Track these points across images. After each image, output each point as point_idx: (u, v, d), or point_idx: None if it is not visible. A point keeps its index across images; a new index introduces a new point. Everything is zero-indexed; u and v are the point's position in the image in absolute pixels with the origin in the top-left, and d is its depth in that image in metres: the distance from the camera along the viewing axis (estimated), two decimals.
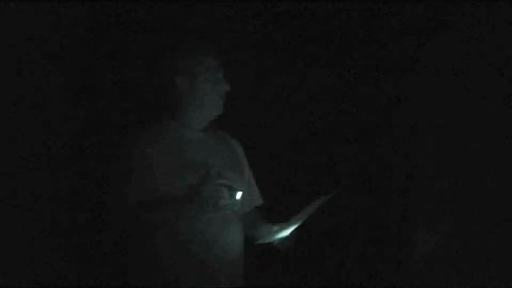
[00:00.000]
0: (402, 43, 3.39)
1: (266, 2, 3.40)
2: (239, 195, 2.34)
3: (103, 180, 2.58)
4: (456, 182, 3.26)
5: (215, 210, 2.29)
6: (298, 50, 3.47)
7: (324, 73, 3.47)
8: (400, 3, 3.36)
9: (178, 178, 2.37)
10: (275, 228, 2.50)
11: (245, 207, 2.59)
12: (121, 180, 2.39)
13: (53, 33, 3.18)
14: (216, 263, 2.39)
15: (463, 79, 3.28)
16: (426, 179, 3.31)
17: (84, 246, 3.16)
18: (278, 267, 3.39)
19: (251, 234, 2.58)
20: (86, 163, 3.18)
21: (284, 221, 2.47)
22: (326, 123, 3.48)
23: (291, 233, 2.49)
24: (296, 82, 3.48)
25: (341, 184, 3.41)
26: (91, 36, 3.24)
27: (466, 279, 3.21)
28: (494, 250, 3.19)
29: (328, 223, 3.39)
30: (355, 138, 3.47)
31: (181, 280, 2.36)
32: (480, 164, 3.23)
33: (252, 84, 3.41)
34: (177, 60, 2.49)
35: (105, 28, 3.25)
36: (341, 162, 3.47)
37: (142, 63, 3.27)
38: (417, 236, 3.31)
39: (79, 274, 3.16)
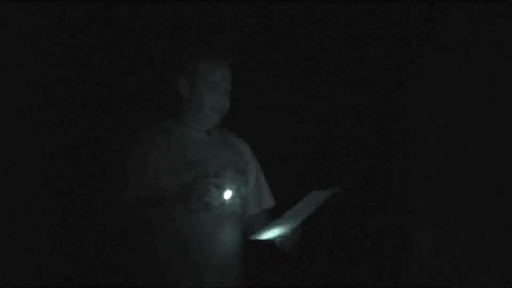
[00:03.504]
0: (403, 43, 3.39)
1: (267, 2, 3.41)
2: (227, 194, 2.34)
3: (103, 178, 2.59)
4: (456, 182, 3.26)
5: (206, 209, 2.29)
6: (299, 50, 3.47)
7: (325, 73, 3.47)
8: (401, 3, 3.37)
9: (175, 178, 2.38)
10: (268, 224, 2.43)
11: (250, 209, 2.59)
12: (118, 178, 2.40)
13: (55, 32, 3.18)
14: (207, 262, 2.39)
15: (463, 79, 3.28)
16: (426, 179, 3.31)
17: (82, 245, 3.17)
18: (278, 267, 3.39)
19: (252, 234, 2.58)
20: (87, 163, 3.19)
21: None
22: (326, 123, 3.49)
23: (293, 232, 2.47)
24: (296, 82, 3.48)
25: (340, 184, 3.41)
26: (94, 35, 3.25)
27: (466, 279, 3.21)
28: (494, 250, 3.19)
29: (327, 222, 3.39)
30: (355, 138, 3.47)
31: (173, 279, 2.37)
32: (480, 164, 3.23)
33: (253, 84, 3.42)
34: (183, 62, 2.48)
35: (107, 27, 3.26)
36: (341, 162, 3.47)
37: (145, 62, 3.29)
38: (417, 236, 3.31)
39: (78, 274, 3.17)
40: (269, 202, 2.67)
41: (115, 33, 3.26)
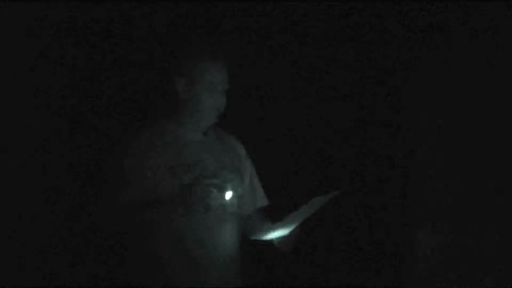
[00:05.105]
0: (403, 42, 3.39)
1: (267, 2, 3.41)
2: (228, 195, 2.34)
3: (101, 179, 2.59)
4: (456, 182, 3.26)
5: (206, 210, 2.29)
6: (298, 50, 3.47)
7: (325, 73, 3.47)
8: (401, 2, 3.37)
9: (173, 178, 2.38)
10: (271, 226, 2.48)
11: (246, 209, 2.59)
12: (116, 179, 2.40)
13: (53, 33, 3.19)
14: (207, 262, 2.39)
15: (463, 79, 3.28)
16: (426, 179, 3.31)
17: (82, 246, 3.17)
18: (278, 267, 3.39)
19: (253, 233, 2.59)
20: (85, 163, 3.19)
21: (280, 219, 2.45)
22: (326, 123, 3.49)
23: (291, 233, 2.48)
24: (295, 81, 3.49)
25: (340, 184, 3.41)
26: (91, 35, 3.25)
27: (466, 279, 3.21)
28: (494, 250, 3.19)
29: (328, 222, 3.39)
30: (355, 138, 3.47)
31: (173, 279, 2.37)
32: (480, 164, 3.23)
33: (252, 84, 3.42)
34: (181, 61, 2.48)
35: (105, 27, 3.26)
36: (341, 162, 3.47)
37: (143, 62, 3.29)
38: (417, 236, 3.31)
39: (78, 274, 3.17)
40: (262, 201, 2.67)
41: (113, 33, 3.26)
